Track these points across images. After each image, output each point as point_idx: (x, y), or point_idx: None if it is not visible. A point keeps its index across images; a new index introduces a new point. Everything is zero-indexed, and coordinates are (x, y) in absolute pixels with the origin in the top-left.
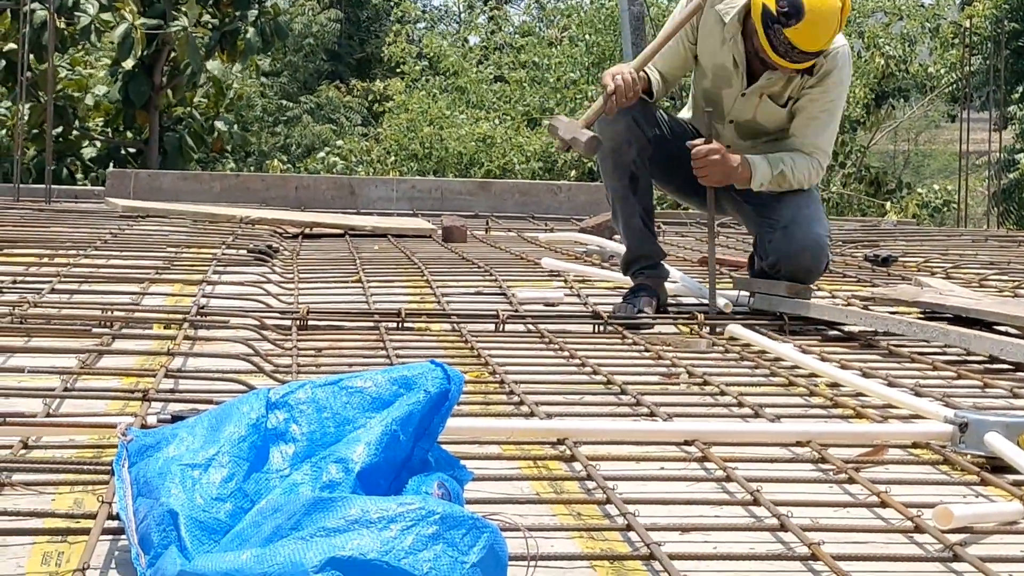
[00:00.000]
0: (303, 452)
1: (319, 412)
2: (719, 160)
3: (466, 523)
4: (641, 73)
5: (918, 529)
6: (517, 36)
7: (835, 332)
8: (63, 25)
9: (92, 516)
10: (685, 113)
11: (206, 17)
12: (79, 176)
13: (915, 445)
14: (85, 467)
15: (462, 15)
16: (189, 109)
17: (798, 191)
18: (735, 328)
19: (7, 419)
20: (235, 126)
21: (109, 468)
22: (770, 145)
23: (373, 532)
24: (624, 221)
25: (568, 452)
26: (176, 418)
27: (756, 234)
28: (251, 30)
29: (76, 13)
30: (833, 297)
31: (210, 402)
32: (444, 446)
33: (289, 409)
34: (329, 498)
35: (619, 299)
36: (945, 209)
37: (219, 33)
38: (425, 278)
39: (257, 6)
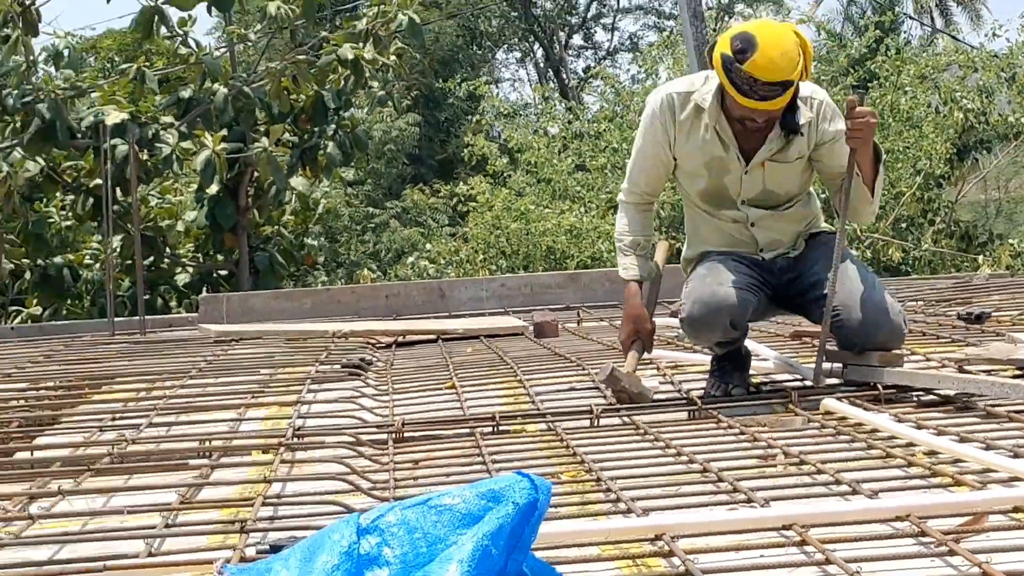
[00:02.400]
0: (398, 575)
1: (410, 533)
2: (874, 124)
3: None
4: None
5: None
6: (595, 123)
7: (931, 397)
8: (145, 157)
9: None
10: (686, 249)
11: (286, 136)
12: (172, 304)
13: (1015, 509)
14: None
15: (539, 107)
16: (277, 227)
17: (845, 269)
18: (830, 402)
19: (107, 564)
20: (323, 239)
21: None
22: (794, 211)
23: None
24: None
25: (666, 548)
26: (275, 548)
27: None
28: (331, 144)
29: (157, 144)
30: (927, 360)
31: (308, 528)
32: (542, 551)
33: (380, 533)
34: None
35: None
36: None
37: (299, 150)
38: (518, 378)
39: (335, 120)
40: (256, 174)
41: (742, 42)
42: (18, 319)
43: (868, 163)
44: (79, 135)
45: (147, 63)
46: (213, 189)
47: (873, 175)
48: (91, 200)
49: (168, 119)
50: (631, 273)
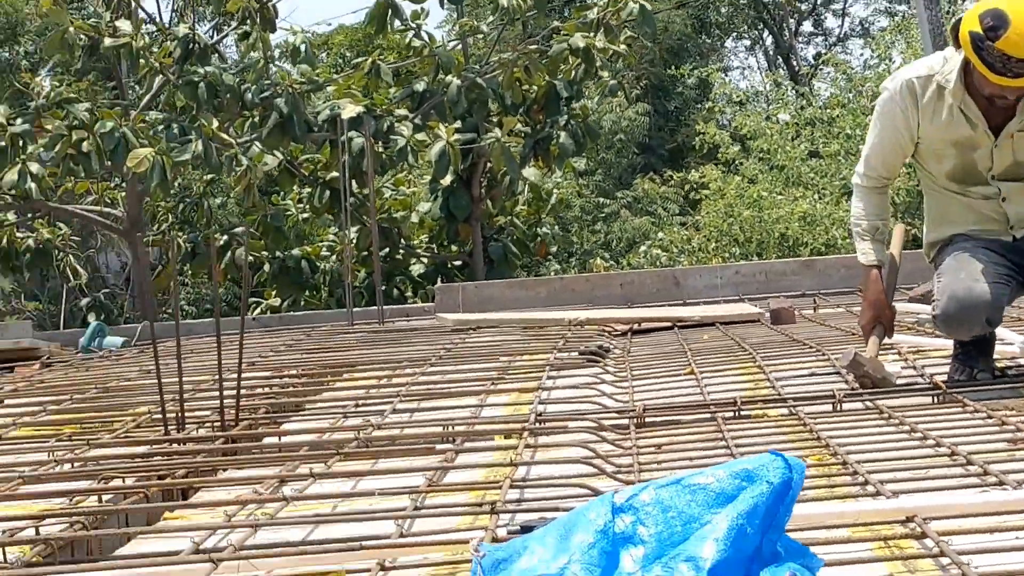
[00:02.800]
0: (652, 553)
1: (664, 512)
2: None
3: None
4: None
5: None
6: (828, 109)
7: None
8: (380, 149)
9: None
10: (930, 233)
11: (518, 126)
12: (408, 294)
13: None
14: None
15: (769, 94)
16: (510, 218)
17: None
18: None
19: (363, 543)
20: (555, 228)
21: None
22: None
23: None
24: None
25: (919, 530)
26: (525, 529)
27: None
28: (563, 134)
29: (392, 136)
30: None
31: (557, 509)
32: (791, 534)
33: (635, 512)
34: None
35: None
36: None
37: (532, 140)
38: (757, 363)
39: (567, 110)
40: (489, 165)
41: (993, 19)
42: (258, 310)
43: None
44: (315, 129)
45: (381, 56)
46: (447, 180)
47: None
48: (327, 192)
49: (402, 111)
50: (870, 258)
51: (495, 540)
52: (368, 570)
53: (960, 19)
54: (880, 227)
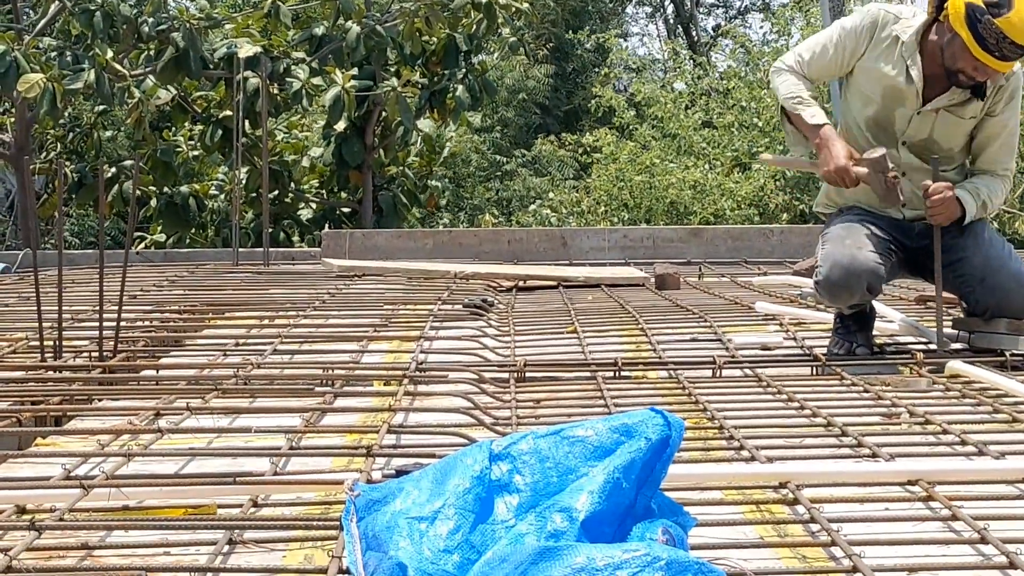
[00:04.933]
0: (527, 502)
1: (542, 462)
2: (951, 198)
3: (692, 568)
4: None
5: None
6: (724, 80)
7: None
8: (275, 91)
9: (323, 571)
10: (823, 198)
11: (415, 77)
12: (295, 238)
13: None
14: (314, 523)
15: (667, 63)
16: (402, 168)
17: (976, 236)
18: (956, 364)
19: (236, 479)
20: (448, 182)
21: (337, 524)
22: (947, 176)
23: None
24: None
25: (791, 496)
26: (400, 473)
27: (956, 293)
28: (460, 88)
29: (287, 79)
30: None
31: (433, 456)
32: (666, 492)
33: (512, 460)
34: (555, 547)
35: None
36: None
37: (428, 92)
38: (640, 326)
39: (466, 64)
40: (384, 114)
41: None
42: (142, 245)
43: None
44: (211, 66)
45: None
46: (340, 126)
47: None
48: (220, 131)
49: (300, 54)
50: (821, 117)
51: (370, 482)
52: (240, 505)
53: None
54: (816, 97)
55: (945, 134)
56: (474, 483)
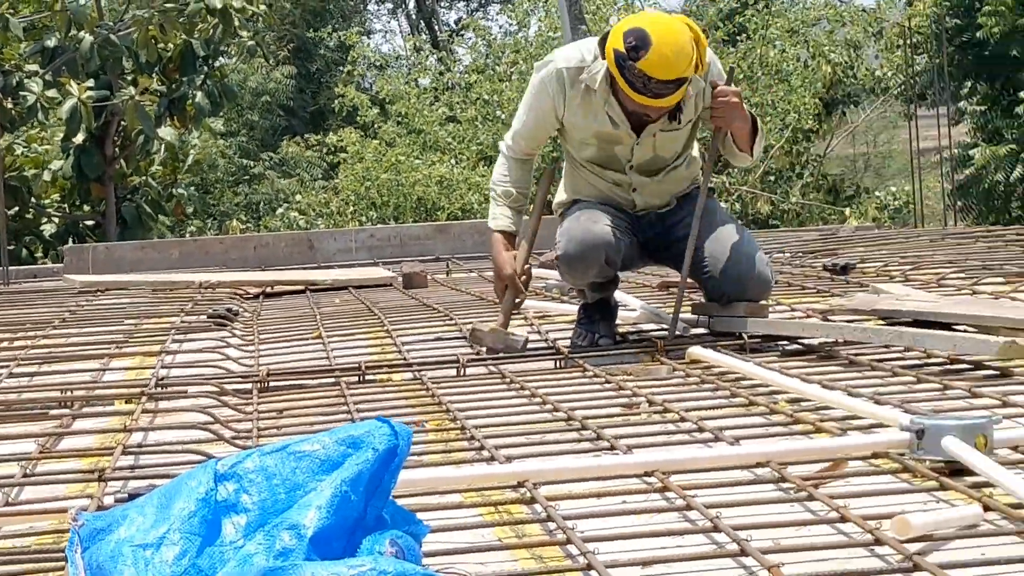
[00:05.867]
0: (255, 521)
1: (269, 480)
2: (737, 103)
3: None
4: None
5: (878, 542)
6: (467, 75)
7: (795, 347)
8: (9, 105)
9: None
10: (561, 195)
11: (153, 85)
12: (39, 255)
13: (875, 455)
14: (44, 554)
15: (410, 58)
16: (145, 178)
17: (711, 222)
18: (696, 350)
19: None
20: (195, 189)
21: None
22: (673, 172)
23: None
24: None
25: (528, 495)
26: (133, 496)
27: (695, 279)
28: (199, 94)
29: (21, 93)
30: (792, 311)
31: (169, 476)
32: (405, 499)
33: (238, 479)
34: (280, 567)
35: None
36: (906, 210)
37: (167, 100)
38: (386, 328)
39: (204, 70)
40: (123, 123)
41: (636, 39)
42: None
43: (744, 134)
44: None
45: (11, 10)
46: (79, 138)
47: (751, 141)
48: None
49: (33, 67)
50: (499, 224)
51: (101, 508)
52: None
53: (607, 32)
54: (515, 194)
55: (668, 147)
56: (199, 505)
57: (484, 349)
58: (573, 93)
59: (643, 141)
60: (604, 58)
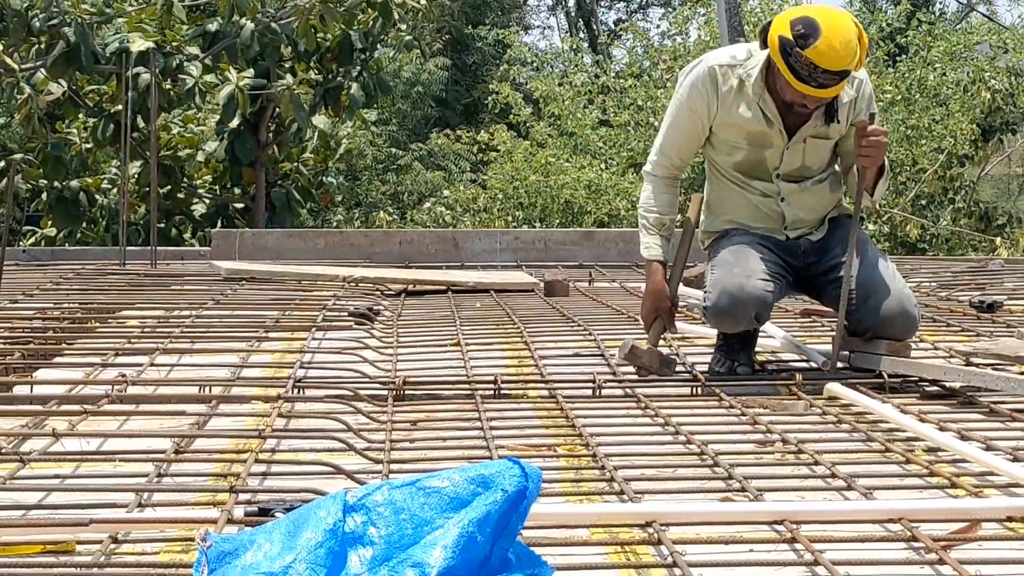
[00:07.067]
0: (381, 555)
1: (397, 514)
2: (886, 144)
3: None
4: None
5: None
6: (621, 79)
7: (935, 388)
8: (168, 87)
9: None
10: (707, 220)
11: (310, 74)
12: (187, 235)
13: (1010, 519)
14: (169, 572)
15: (567, 58)
16: (296, 165)
17: (863, 255)
18: (834, 387)
19: (92, 519)
20: (344, 178)
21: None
22: (818, 185)
23: None
24: None
25: (655, 536)
26: (263, 511)
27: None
28: (355, 85)
29: (180, 75)
30: (935, 349)
31: (299, 489)
32: (531, 531)
33: (367, 512)
34: None
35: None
36: None
37: (323, 89)
38: (524, 340)
39: (361, 61)
40: (278, 111)
41: (805, 27)
42: (32, 239)
43: (872, 176)
44: (103, 61)
45: None
46: (234, 123)
47: (874, 184)
48: (112, 126)
49: (194, 50)
50: (653, 253)
51: (231, 521)
52: (100, 541)
53: (771, 21)
54: (667, 223)
55: (816, 157)
56: (327, 536)
57: (639, 367)
58: (726, 90)
59: (793, 146)
60: (764, 46)
